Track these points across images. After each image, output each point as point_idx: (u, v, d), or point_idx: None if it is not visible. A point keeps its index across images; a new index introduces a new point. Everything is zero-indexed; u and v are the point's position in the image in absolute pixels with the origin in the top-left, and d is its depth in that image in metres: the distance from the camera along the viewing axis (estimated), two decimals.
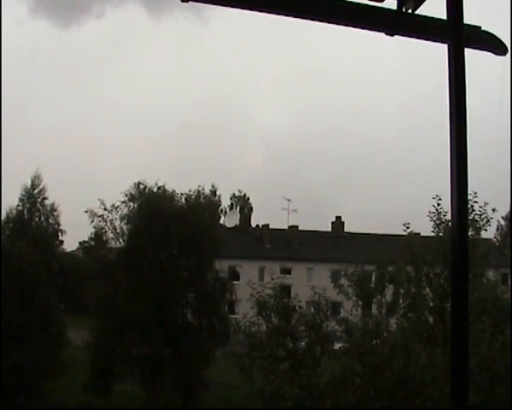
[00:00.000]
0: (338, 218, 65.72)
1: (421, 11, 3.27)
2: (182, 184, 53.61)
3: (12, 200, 47.96)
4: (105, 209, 32.66)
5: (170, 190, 33.50)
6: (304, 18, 3.27)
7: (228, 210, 70.31)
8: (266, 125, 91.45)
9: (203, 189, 36.86)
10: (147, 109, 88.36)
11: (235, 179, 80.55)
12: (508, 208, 54.44)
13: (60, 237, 52.83)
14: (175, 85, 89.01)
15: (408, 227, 23.82)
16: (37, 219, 49.12)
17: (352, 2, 3.20)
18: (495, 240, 42.30)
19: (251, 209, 72.12)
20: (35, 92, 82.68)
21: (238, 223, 65.34)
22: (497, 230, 57.91)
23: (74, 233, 67.68)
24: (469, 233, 19.88)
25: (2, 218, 41.14)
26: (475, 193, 21.40)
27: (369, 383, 20.20)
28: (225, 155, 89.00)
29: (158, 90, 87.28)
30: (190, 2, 3.03)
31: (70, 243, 62.49)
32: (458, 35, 2.89)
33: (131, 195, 32.81)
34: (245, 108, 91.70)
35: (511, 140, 3.69)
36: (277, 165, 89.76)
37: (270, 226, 62.91)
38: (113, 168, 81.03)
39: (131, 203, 32.89)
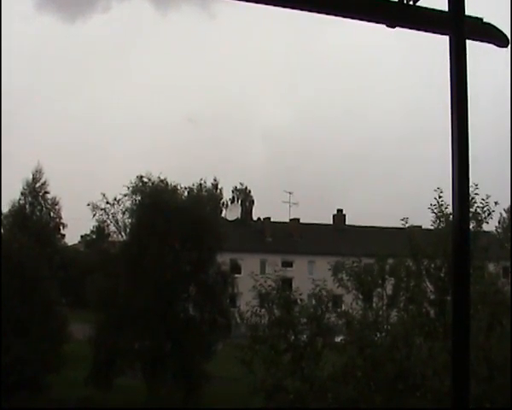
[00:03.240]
0: (339, 211, 65.69)
1: (422, 3, 3.26)
2: (185, 177, 53.61)
3: (13, 194, 48.09)
4: (107, 203, 32.66)
5: (172, 184, 33.49)
6: (307, 10, 3.25)
7: (229, 203, 70.27)
8: (269, 119, 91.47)
9: (205, 182, 36.93)
10: (151, 104, 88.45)
11: (237, 172, 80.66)
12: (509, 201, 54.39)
13: (61, 231, 53.06)
14: (180, 80, 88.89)
15: (406, 222, 23.78)
16: (38, 213, 49.22)
17: None
18: (496, 232, 42.14)
19: (252, 202, 72.03)
20: (39, 86, 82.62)
21: (239, 216, 65.32)
22: (499, 222, 57.77)
23: (76, 227, 67.92)
24: (471, 226, 19.88)
25: (4, 212, 41.23)
26: (476, 185, 21.30)
27: (369, 376, 20.19)
28: (228, 148, 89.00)
29: (163, 84, 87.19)
30: None
31: (71, 236, 62.78)
32: (460, 27, 2.88)
33: (134, 188, 32.77)
34: (248, 102, 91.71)
35: (511, 133, 3.68)
36: (279, 158, 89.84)
37: (272, 219, 62.93)
38: (117, 161, 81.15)
39: (134, 197, 32.88)
